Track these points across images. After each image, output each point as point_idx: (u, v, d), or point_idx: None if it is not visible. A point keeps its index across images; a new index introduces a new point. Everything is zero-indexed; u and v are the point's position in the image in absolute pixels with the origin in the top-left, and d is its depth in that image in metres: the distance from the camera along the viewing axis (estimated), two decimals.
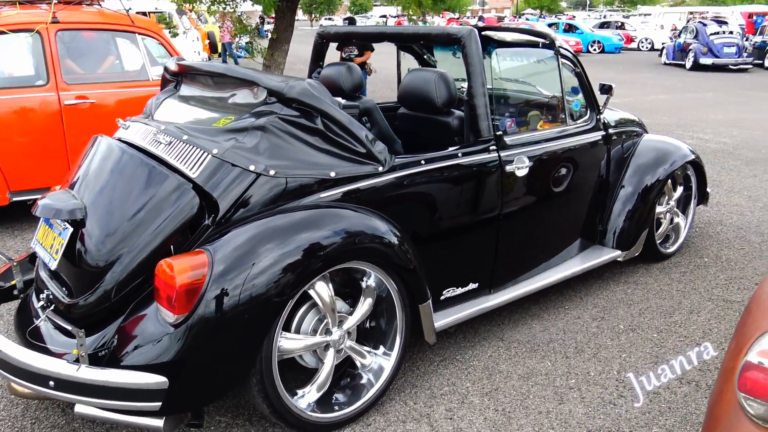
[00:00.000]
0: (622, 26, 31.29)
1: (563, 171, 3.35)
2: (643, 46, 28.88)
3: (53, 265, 2.42)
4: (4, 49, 4.73)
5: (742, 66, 18.34)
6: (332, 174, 2.48)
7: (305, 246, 2.28)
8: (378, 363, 2.66)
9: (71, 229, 2.40)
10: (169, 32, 9.39)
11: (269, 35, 9.93)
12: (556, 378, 2.88)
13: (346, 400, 2.58)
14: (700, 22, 20.15)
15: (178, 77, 3.09)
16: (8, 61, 4.80)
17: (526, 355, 3.07)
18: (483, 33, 3.37)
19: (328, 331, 2.47)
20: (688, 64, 18.79)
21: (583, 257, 3.69)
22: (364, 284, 2.57)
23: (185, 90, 3.03)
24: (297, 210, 2.37)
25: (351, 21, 9.47)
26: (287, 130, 2.44)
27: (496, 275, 3.14)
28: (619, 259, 3.81)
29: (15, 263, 2.86)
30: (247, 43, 16.75)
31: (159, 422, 2.16)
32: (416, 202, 2.74)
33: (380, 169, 2.58)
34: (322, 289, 2.39)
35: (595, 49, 27.10)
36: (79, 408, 2.20)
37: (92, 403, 2.13)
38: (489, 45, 3.37)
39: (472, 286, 3.04)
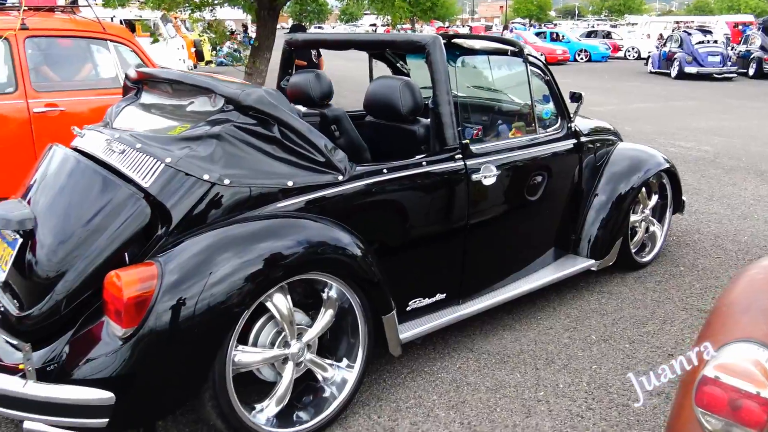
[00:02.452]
0: (608, 35, 31.48)
1: (533, 180, 3.31)
2: (629, 55, 29.05)
3: (2, 277, 2.35)
4: None
5: (726, 75, 18.46)
6: (290, 183, 2.42)
7: (261, 256, 2.22)
8: (341, 376, 2.60)
9: (20, 240, 2.33)
10: (151, 39, 9.32)
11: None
12: (525, 390, 2.83)
13: (307, 414, 2.51)
14: (684, 31, 20.28)
15: (138, 85, 3.03)
16: None
17: (496, 367, 3.02)
18: (452, 41, 3.34)
19: (286, 344, 2.41)
20: (674, 72, 18.89)
21: (556, 267, 3.65)
22: (325, 296, 2.51)
23: (146, 98, 2.97)
24: (253, 220, 2.32)
25: (299, 28, 9.22)
26: (243, 139, 2.39)
27: (465, 285, 3.09)
28: (593, 269, 3.77)
29: None
30: (234, 50, 16.74)
31: None
32: (379, 211, 2.69)
33: (340, 178, 2.53)
34: (279, 301, 2.33)
35: (582, 58, 27.23)
36: (27, 425, 2.13)
37: (39, 420, 2.06)
38: (458, 53, 3.34)
39: (439, 296, 2.98)
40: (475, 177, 2.95)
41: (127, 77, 3.06)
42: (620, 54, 29.30)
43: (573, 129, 3.63)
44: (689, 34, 19.29)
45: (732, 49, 19.93)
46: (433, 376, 2.94)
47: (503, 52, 3.33)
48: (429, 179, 2.80)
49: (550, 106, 3.55)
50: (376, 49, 3.57)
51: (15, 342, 2.16)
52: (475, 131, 3.18)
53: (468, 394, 2.80)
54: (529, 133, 3.40)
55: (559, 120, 3.59)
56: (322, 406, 2.54)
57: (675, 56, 18.94)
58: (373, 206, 2.66)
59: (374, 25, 56.03)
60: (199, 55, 19.02)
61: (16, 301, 2.38)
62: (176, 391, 2.14)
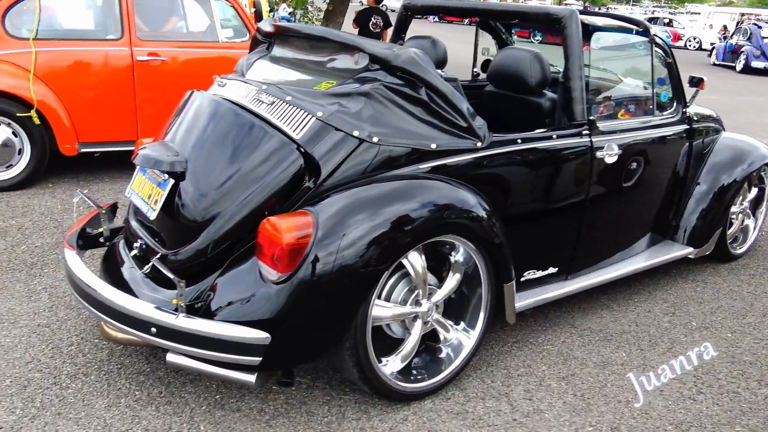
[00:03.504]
0: (670, 23, 30.58)
1: (647, 161, 3.29)
2: (690, 45, 28.22)
3: (152, 216, 2.43)
4: (80, 1, 4.77)
5: None
6: (433, 146, 2.45)
7: (408, 215, 2.27)
8: (458, 338, 2.66)
9: (172, 182, 2.41)
10: None
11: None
12: (633, 369, 2.86)
13: (426, 372, 2.57)
14: (755, 24, 19.60)
15: (270, 38, 3.07)
16: (84, 13, 4.84)
17: (600, 344, 3.04)
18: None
19: (417, 303, 2.47)
20: (739, 66, 18.32)
21: (655, 251, 3.64)
22: (452, 259, 2.56)
23: (278, 51, 3.01)
24: (397, 179, 2.36)
25: None
26: (391, 98, 2.42)
27: (575, 262, 3.11)
28: (690, 256, 3.75)
29: (103, 211, 2.89)
30: (289, 14, 16.83)
31: (251, 377, 2.18)
32: (508, 180, 2.70)
33: (478, 144, 2.55)
34: (415, 260, 2.38)
35: None
36: (171, 357, 2.24)
37: (192, 353, 2.16)
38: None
39: (551, 270, 3.01)
40: (599, 154, 2.94)
41: (258, 31, 3.09)
42: (680, 43, 28.46)
43: (687, 114, 3.59)
44: (759, 27, 18.63)
45: None
46: (539, 348, 2.98)
47: (628, 31, 3.29)
48: (557, 153, 2.81)
49: (668, 89, 3.51)
50: (503, 19, 3.54)
51: (171, 276, 2.24)
52: (601, 108, 3.16)
53: (576, 367, 2.84)
54: (645, 114, 3.37)
55: (675, 104, 3.54)
56: (440, 366, 2.60)
57: (742, 49, 18.34)
58: (504, 175, 2.68)
59: None
60: (258, 15, 19.13)
61: (157, 239, 2.47)
62: (322, 337, 2.22)
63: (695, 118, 3.74)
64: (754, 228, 4.27)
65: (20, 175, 4.57)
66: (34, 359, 2.64)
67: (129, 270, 2.59)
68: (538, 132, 2.79)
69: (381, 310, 2.37)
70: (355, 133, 2.33)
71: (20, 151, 4.55)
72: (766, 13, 29.17)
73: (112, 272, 2.65)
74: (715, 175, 3.84)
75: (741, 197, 4.05)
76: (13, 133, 4.49)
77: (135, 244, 2.56)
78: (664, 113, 3.47)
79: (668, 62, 3.46)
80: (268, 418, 2.39)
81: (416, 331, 2.50)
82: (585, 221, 3.03)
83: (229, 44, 5.11)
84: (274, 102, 2.46)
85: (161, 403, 2.43)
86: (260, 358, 2.12)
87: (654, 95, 3.35)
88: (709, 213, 3.76)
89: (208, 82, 5.08)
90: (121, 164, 5.22)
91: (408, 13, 3.75)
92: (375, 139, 2.35)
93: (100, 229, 2.89)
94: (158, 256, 2.26)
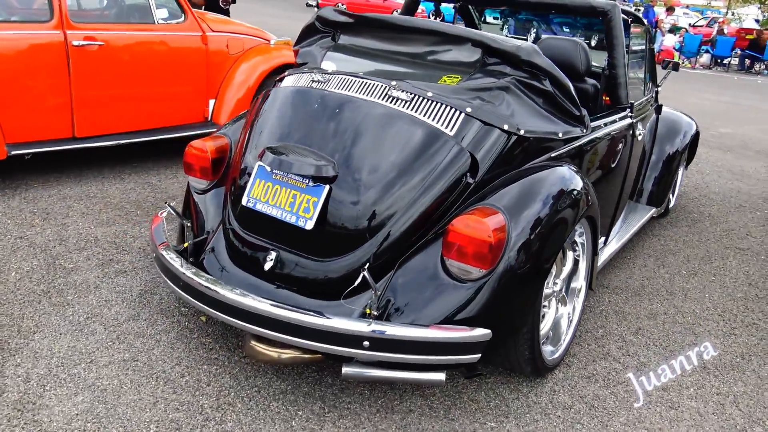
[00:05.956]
0: None
1: (646, 136, 3.78)
2: None
3: (309, 225, 2.27)
4: None
5: None
6: (560, 134, 2.62)
7: (569, 198, 2.43)
8: (561, 311, 2.88)
9: (327, 188, 2.27)
10: None
11: None
12: (676, 316, 3.33)
13: (545, 347, 2.76)
14: None
15: (334, 28, 2.93)
16: None
17: (636, 299, 3.47)
18: None
19: (555, 283, 2.64)
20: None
21: (632, 212, 4.17)
22: None
23: (349, 41, 2.88)
24: (543, 168, 2.49)
25: None
26: (523, 91, 2.53)
27: (611, 229, 3.50)
28: (653, 215, 4.36)
29: (188, 224, 2.60)
30: None
31: (441, 375, 2.21)
32: (590, 162, 2.96)
33: (584, 131, 2.77)
34: None
35: None
36: (347, 369, 2.18)
37: (405, 360, 2.12)
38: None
39: (602, 239, 3.36)
40: (637, 132, 3.33)
41: (318, 19, 2.92)
42: None
43: (657, 93, 4.15)
44: None
45: None
46: (597, 310, 3.32)
47: (626, 21, 3.69)
48: (619, 133, 3.14)
49: (648, 71, 4.02)
50: (543, 9, 3.70)
51: (373, 285, 2.13)
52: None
53: (635, 322, 3.23)
54: (641, 95, 3.83)
55: (651, 85, 4.07)
56: (553, 339, 2.81)
57: None
58: (590, 158, 2.93)
59: None
60: None
61: (305, 251, 2.32)
62: (517, 325, 2.31)
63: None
64: (678, 184, 5.05)
65: None
66: (158, 399, 2.34)
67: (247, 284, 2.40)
68: (608, 117, 3.08)
69: None
70: (505, 127, 2.41)
71: None
72: None
73: None
74: (662, 145, 4.48)
75: None
76: None
77: (268, 257, 2.36)
78: (647, 93, 3.98)
79: (651, 48, 3.96)
80: (443, 412, 2.42)
81: (552, 309, 2.67)
82: (623, 192, 3.42)
83: (165, 26, 4.64)
84: (414, 98, 2.42)
85: (334, 418, 2.32)
86: (479, 355, 2.15)
87: (645, 78, 3.83)
88: (663, 178, 4.40)
89: (147, 69, 4.90)
90: (52, 166, 4.52)
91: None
92: (522, 132, 2.45)
93: (185, 244, 2.60)
94: (366, 266, 2.14)
